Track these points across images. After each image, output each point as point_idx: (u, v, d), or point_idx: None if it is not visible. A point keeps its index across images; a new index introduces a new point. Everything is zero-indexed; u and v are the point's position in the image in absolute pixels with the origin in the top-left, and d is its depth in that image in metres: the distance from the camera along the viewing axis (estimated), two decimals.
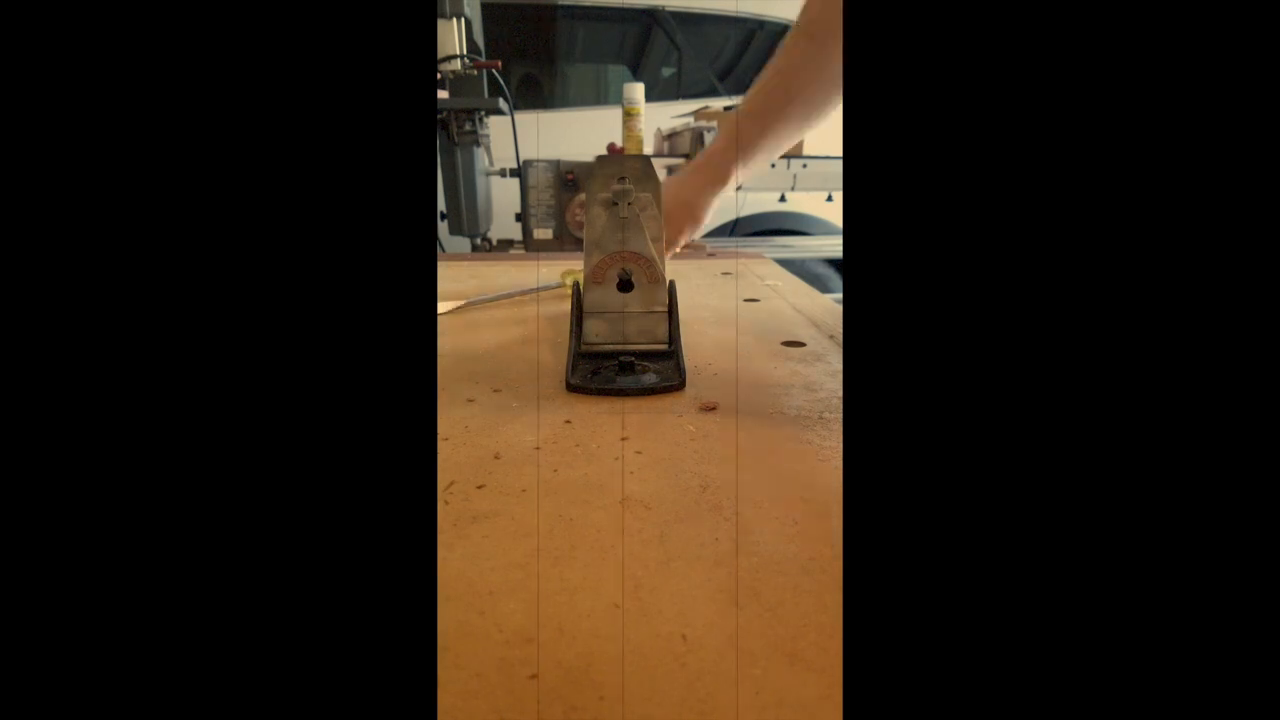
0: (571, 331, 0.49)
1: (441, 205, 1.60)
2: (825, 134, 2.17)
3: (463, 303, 0.69)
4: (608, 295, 0.50)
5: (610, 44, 2.56)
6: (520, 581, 0.24)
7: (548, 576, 0.25)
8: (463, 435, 0.37)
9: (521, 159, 1.61)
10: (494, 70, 1.50)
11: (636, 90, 1.70)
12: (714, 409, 0.41)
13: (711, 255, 1.09)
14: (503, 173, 1.67)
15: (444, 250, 1.63)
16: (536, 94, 2.52)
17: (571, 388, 0.44)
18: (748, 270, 0.91)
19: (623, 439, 0.37)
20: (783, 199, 2.38)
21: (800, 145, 1.92)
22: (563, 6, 2.39)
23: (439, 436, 0.37)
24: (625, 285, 0.50)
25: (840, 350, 0.53)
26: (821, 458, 0.34)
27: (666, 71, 2.54)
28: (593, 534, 0.27)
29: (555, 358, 0.51)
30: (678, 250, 0.74)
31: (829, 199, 2.44)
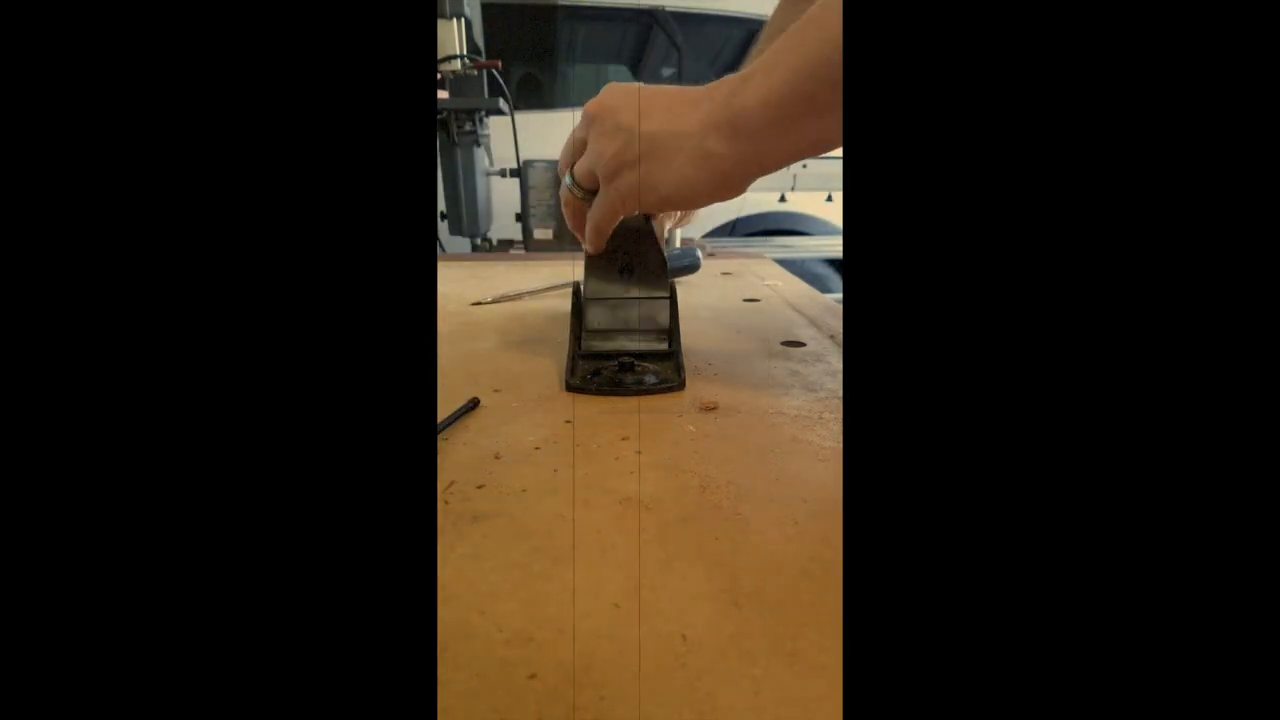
0: (572, 332, 0.49)
1: (441, 205, 1.60)
2: None
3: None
4: (609, 281, 0.50)
5: (610, 44, 2.56)
6: (520, 581, 0.24)
7: (548, 576, 0.25)
8: (463, 435, 0.37)
9: (521, 159, 1.61)
10: (494, 70, 1.50)
11: None
12: (714, 409, 0.41)
13: (711, 255, 1.09)
14: (503, 173, 1.67)
15: (444, 250, 1.63)
16: (536, 94, 2.53)
17: (571, 388, 0.44)
18: (748, 270, 0.91)
19: (623, 439, 0.37)
20: (783, 199, 2.38)
21: None
22: (563, 6, 2.39)
23: (439, 436, 0.37)
24: (627, 271, 0.50)
25: (840, 350, 0.53)
26: (821, 458, 0.34)
27: (666, 71, 2.54)
28: (593, 534, 0.27)
29: (555, 358, 0.51)
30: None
31: (829, 199, 2.44)
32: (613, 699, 0.19)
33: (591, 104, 0.42)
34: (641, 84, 0.41)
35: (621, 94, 0.41)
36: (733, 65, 2.52)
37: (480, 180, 1.60)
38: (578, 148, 0.44)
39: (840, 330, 0.59)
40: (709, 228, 2.42)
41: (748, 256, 1.05)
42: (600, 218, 0.44)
